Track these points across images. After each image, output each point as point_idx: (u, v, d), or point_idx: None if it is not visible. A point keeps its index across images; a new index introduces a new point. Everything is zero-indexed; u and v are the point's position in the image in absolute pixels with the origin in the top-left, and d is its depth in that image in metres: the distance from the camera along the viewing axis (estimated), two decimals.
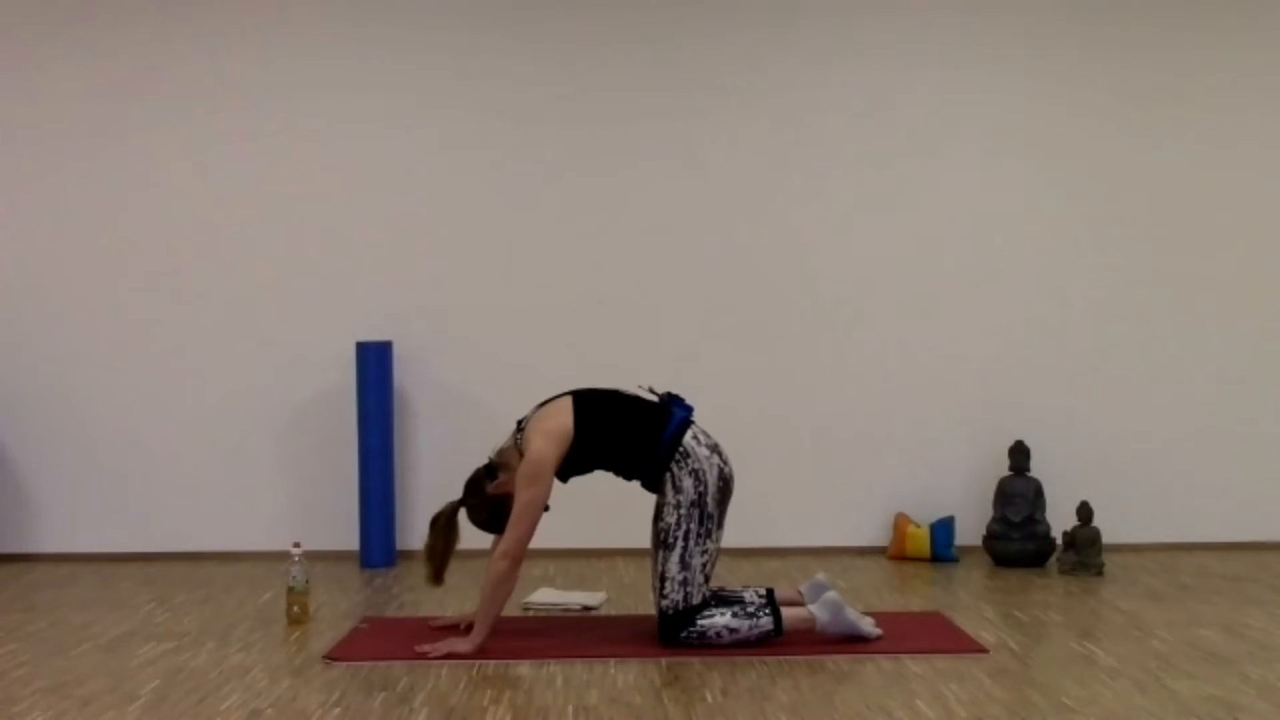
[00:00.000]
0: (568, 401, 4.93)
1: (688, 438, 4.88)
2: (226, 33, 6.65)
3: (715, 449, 4.93)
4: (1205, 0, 6.72)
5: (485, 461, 4.99)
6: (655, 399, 5.02)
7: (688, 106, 6.69)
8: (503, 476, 4.91)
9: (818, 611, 4.87)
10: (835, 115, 6.71)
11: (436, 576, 4.95)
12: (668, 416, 4.91)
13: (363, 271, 6.68)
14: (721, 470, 4.90)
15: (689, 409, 4.97)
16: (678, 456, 4.84)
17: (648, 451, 4.86)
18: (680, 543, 4.82)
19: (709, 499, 4.85)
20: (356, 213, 6.68)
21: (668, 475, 4.84)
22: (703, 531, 4.84)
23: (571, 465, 4.90)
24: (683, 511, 4.83)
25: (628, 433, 4.89)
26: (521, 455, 4.85)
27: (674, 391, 5.07)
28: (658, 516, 4.89)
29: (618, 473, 4.98)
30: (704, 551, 4.84)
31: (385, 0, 6.67)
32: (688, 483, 4.83)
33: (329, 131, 6.67)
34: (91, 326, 6.68)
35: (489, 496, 4.92)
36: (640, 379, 5.30)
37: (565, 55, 6.69)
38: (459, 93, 6.68)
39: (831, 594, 4.92)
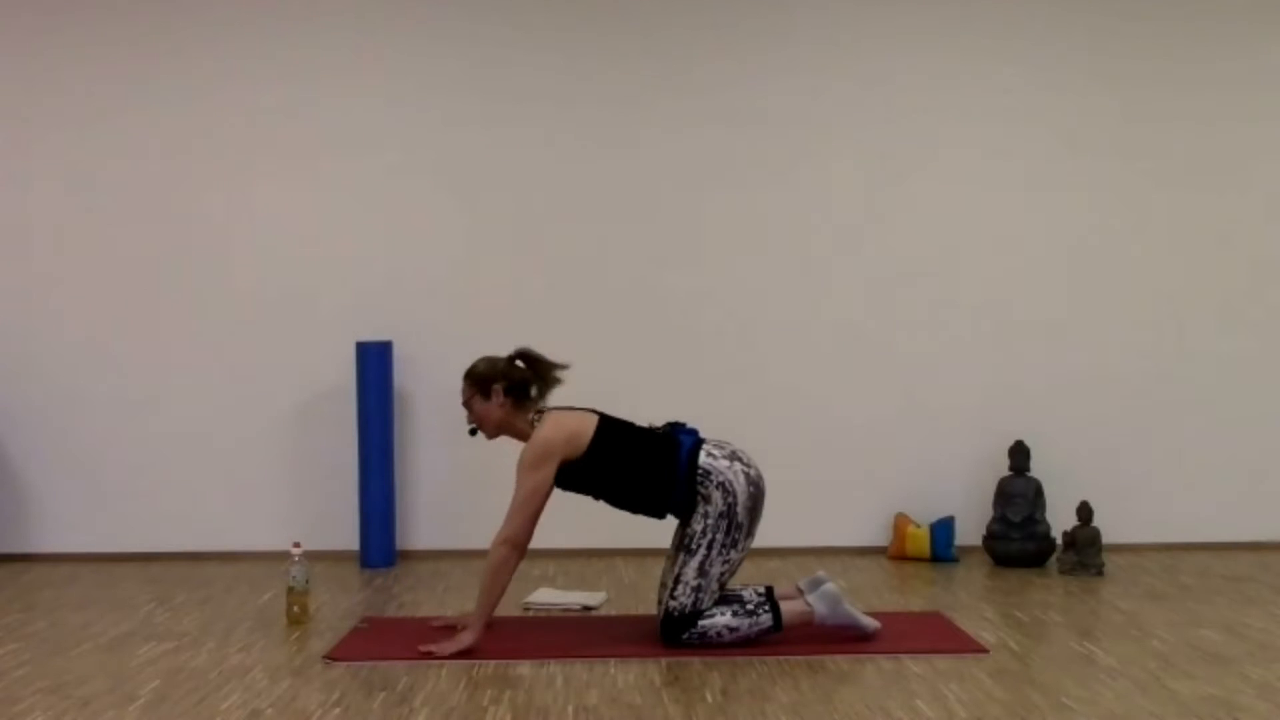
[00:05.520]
0: (594, 419, 4.90)
1: (703, 458, 4.86)
2: (226, 31, 6.65)
3: (734, 456, 4.90)
4: None
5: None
6: (660, 431, 4.99)
7: (688, 106, 6.67)
8: (501, 410, 4.93)
9: (816, 604, 4.88)
10: (835, 115, 6.71)
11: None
12: (676, 444, 4.88)
13: (363, 271, 6.68)
14: (748, 474, 4.87)
15: (694, 432, 4.95)
16: (699, 478, 4.83)
17: (669, 483, 4.83)
18: (703, 550, 4.81)
19: (739, 508, 4.82)
20: (356, 212, 6.68)
21: (698, 498, 4.83)
22: (728, 542, 4.82)
23: (571, 478, 4.88)
24: (710, 521, 4.82)
25: (645, 469, 4.85)
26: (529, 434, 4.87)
27: (675, 420, 5.06)
28: (686, 521, 4.89)
29: (631, 508, 4.95)
30: (725, 561, 4.83)
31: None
32: (716, 495, 4.82)
33: (330, 131, 6.66)
34: (91, 327, 6.68)
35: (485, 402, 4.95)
36: (640, 379, 5.32)
37: (566, 55, 6.69)
38: (461, 92, 6.68)
39: (829, 586, 4.92)
